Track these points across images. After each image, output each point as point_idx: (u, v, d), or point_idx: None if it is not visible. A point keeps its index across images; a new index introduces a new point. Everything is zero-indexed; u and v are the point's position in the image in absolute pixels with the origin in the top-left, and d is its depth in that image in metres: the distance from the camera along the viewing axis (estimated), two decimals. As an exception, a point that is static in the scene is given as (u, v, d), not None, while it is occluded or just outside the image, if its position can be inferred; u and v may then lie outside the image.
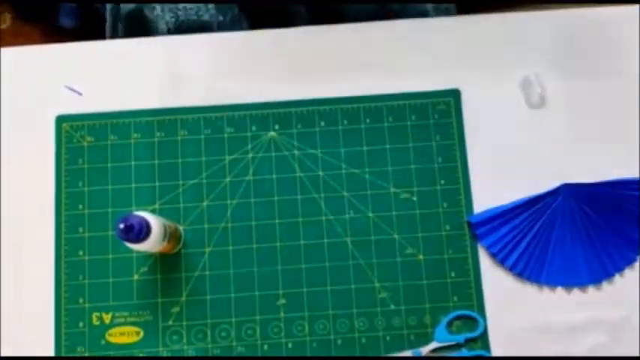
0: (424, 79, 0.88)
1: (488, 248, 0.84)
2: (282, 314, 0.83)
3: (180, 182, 0.85)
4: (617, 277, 0.84)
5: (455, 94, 0.88)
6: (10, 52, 0.89)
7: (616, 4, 0.91)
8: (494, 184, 0.86)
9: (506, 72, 0.88)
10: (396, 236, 0.85)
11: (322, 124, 0.87)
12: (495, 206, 0.85)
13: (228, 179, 0.86)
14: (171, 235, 0.79)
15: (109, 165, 0.86)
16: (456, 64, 0.89)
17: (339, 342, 0.82)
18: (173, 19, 0.94)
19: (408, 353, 0.81)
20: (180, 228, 0.84)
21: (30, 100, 0.87)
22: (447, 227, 0.86)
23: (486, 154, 0.87)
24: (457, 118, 0.87)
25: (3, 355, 0.81)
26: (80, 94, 0.87)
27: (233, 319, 0.83)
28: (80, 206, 0.85)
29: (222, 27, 0.94)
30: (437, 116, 0.87)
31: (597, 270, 0.84)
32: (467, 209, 0.85)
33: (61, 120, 0.87)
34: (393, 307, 0.83)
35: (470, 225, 0.85)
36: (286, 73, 0.88)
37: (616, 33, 0.90)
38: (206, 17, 0.93)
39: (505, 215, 0.84)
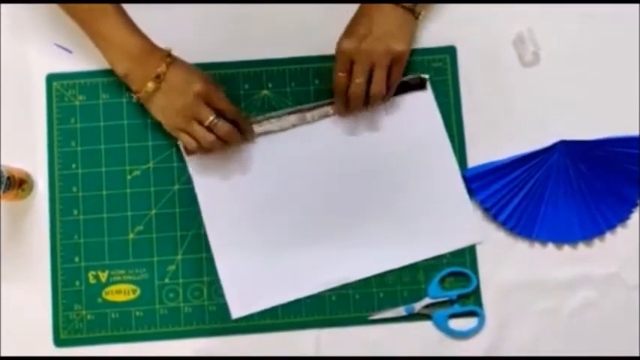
0: (419, 35, 0.86)
1: (481, 203, 0.84)
2: (277, 271, 0.84)
3: (174, 141, 0.84)
4: (608, 234, 0.85)
5: (451, 51, 0.87)
6: (-2, 10, 0.87)
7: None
8: (489, 141, 0.85)
9: (501, 28, 0.87)
10: (390, 194, 0.86)
11: (316, 82, 0.86)
12: (491, 161, 0.85)
13: (221, 137, 0.85)
14: (12, 185, 0.78)
15: (102, 124, 0.85)
16: (450, 21, 0.87)
17: (334, 298, 0.83)
18: None
19: (401, 309, 0.83)
20: (31, 175, 0.83)
21: (19, 58, 0.86)
22: (441, 184, 0.86)
23: (482, 111, 0.86)
24: (453, 76, 0.86)
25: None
26: (70, 51, 0.86)
27: (229, 277, 0.84)
28: (73, 165, 0.84)
29: None
30: (433, 73, 0.86)
31: (589, 226, 0.85)
32: (461, 168, 0.85)
33: (51, 79, 0.85)
34: (386, 264, 0.84)
35: (465, 179, 0.85)
36: (280, 31, 0.87)
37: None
38: None
39: (500, 170, 0.84)
